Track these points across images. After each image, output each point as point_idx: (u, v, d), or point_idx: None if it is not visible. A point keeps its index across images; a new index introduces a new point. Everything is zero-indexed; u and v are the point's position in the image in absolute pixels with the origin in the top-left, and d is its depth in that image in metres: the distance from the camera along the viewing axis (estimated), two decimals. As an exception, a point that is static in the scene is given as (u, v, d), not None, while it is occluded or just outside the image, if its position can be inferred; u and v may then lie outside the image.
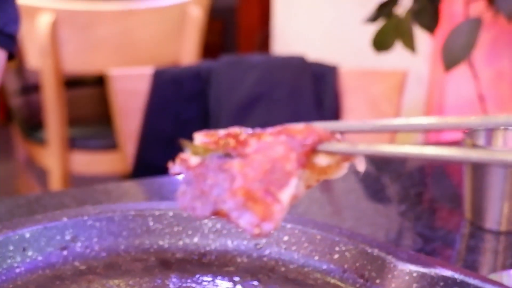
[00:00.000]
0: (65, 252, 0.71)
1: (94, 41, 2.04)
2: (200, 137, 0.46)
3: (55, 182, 2.07)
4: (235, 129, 0.45)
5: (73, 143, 2.09)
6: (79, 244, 0.72)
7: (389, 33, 1.32)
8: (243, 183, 0.42)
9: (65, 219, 0.72)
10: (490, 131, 0.95)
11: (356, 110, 1.54)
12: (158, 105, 1.50)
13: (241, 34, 2.79)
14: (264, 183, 0.42)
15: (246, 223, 0.42)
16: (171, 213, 0.76)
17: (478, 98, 1.47)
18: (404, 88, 1.53)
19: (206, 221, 0.76)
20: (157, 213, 0.75)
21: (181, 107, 1.53)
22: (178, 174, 0.46)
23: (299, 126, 0.43)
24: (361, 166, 0.44)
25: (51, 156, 2.07)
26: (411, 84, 1.73)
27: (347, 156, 0.44)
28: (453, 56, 1.23)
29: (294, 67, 1.55)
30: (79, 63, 2.04)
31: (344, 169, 0.45)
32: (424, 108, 1.89)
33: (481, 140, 0.95)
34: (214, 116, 1.53)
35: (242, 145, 0.44)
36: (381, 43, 1.37)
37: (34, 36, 1.97)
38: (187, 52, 2.12)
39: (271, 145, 0.43)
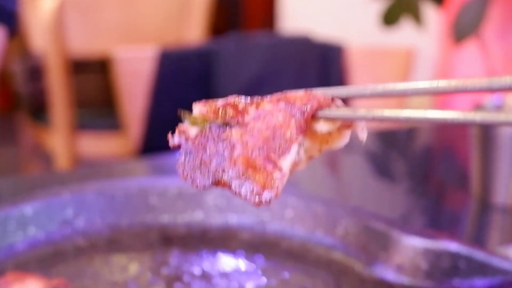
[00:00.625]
0: (66, 229, 0.70)
1: (99, 23, 2.03)
2: (198, 107, 0.45)
3: (62, 166, 2.07)
4: (233, 98, 0.44)
5: (79, 126, 2.08)
6: (81, 220, 0.71)
7: (397, 7, 1.31)
8: (243, 151, 0.42)
9: (66, 195, 0.72)
10: (499, 110, 0.94)
11: (362, 89, 1.52)
12: (163, 87, 1.49)
13: (246, 12, 2.78)
14: (264, 150, 0.41)
15: (247, 192, 0.41)
16: (173, 190, 0.75)
17: (489, 75, 1.45)
18: (411, 66, 1.51)
19: (208, 197, 0.75)
20: (159, 189, 0.75)
21: (186, 89, 1.52)
22: (178, 145, 0.45)
23: (298, 93, 0.42)
24: (363, 134, 0.43)
25: (57, 139, 2.07)
26: (419, 63, 1.71)
27: (348, 124, 0.43)
28: (463, 29, 1.21)
29: (299, 47, 1.54)
30: (84, 46, 2.04)
31: (346, 137, 0.44)
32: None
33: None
34: (220, 98, 1.51)
35: (241, 114, 0.43)
36: (389, 17, 1.35)
37: (39, 19, 1.96)
38: (193, 33, 2.11)
39: (271, 112, 0.42)
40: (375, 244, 0.69)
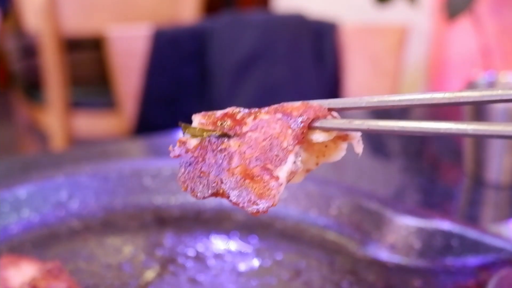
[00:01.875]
0: (61, 211, 0.71)
1: (93, 1, 2.01)
2: (198, 118, 0.46)
3: (57, 144, 2.07)
4: (232, 109, 0.45)
5: (74, 105, 2.08)
6: (75, 203, 0.71)
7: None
8: (241, 161, 0.42)
9: (61, 178, 0.72)
10: (492, 86, 0.94)
11: (357, 66, 1.53)
12: (158, 65, 1.49)
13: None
14: (262, 160, 0.42)
15: (244, 202, 0.42)
16: (167, 171, 0.75)
17: (482, 51, 1.45)
18: (405, 43, 1.51)
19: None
20: (153, 171, 0.75)
21: (181, 67, 1.51)
22: (178, 156, 0.46)
23: (295, 104, 0.43)
24: (359, 147, 0.44)
25: (52, 118, 2.06)
26: (413, 40, 1.70)
27: (344, 136, 0.44)
28: (456, 6, 1.21)
29: (293, 25, 1.53)
30: (78, 24, 2.02)
31: (342, 150, 0.44)
32: (426, 63, 1.87)
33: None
34: (214, 76, 1.51)
35: (239, 124, 0.44)
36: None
37: (32, -3, 1.94)
38: (187, 11, 2.10)
39: (268, 123, 0.42)
40: (369, 224, 0.70)
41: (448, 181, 0.94)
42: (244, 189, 0.42)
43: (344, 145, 0.44)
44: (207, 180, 0.43)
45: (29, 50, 2.37)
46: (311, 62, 1.51)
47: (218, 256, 0.68)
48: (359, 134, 0.43)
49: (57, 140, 2.07)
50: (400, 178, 0.95)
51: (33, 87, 2.21)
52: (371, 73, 1.55)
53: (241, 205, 0.42)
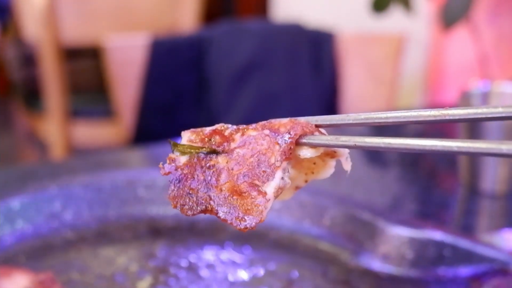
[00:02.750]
0: (55, 222, 0.71)
1: (92, 10, 2.02)
2: (186, 135, 0.46)
3: (56, 153, 2.07)
4: (220, 125, 0.45)
5: (73, 113, 2.08)
6: (69, 214, 0.72)
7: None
8: (229, 178, 0.43)
9: (54, 189, 0.72)
10: (486, 96, 0.94)
11: (355, 75, 1.53)
12: (156, 74, 1.49)
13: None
14: (249, 176, 0.42)
15: (232, 218, 0.42)
16: (161, 182, 0.76)
17: (480, 59, 1.45)
18: (403, 52, 1.51)
19: (196, 188, 0.76)
20: (147, 181, 0.75)
21: (179, 76, 1.52)
22: (168, 173, 0.46)
23: (282, 120, 0.43)
24: (347, 165, 0.44)
25: (51, 126, 2.07)
26: (411, 48, 1.71)
27: (332, 153, 0.44)
28: (452, 15, 1.21)
29: (291, 34, 1.54)
30: (77, 33, 2.03)
31: (331, 168, 0.45)
32: (424, 72, 1.87)
33: (476, 104, 0.94)
34: (212, 84, 1.52)
35: (227, 141, 0.44)
36: (378, 4, 1.35)
37: (32, 7, 1.95)
38: (186, 19, 2.10)
39: (256, 139, 0.43)
40: (362, 234, 0.70)
41: (443, 191, 0.94)
42: (231, 206, 0.42)
43: (332, 163, 0.44)
44: (196, 197, 0.44)
45: (29, 59, 2.37)
46: (308, 70, 1.52)
47: (211, 266, 0.68)
48: (347, 151, 0.43)
49: (57, 149, 2.08)
50: (395, 187, 0.95)
51: (32, 96, 2.22)
52: (369, 81, 1.55)
53: (229, 221, 0.42)
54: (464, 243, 0.68)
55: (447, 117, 0.37)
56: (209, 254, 0.70)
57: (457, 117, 0.37)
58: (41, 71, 2.01)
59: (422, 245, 0.67)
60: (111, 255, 0.68)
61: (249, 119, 1.53)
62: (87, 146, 2.12)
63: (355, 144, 0.40)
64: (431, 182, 0.97)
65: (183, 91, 1.53)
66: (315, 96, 1.53)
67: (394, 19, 1.60)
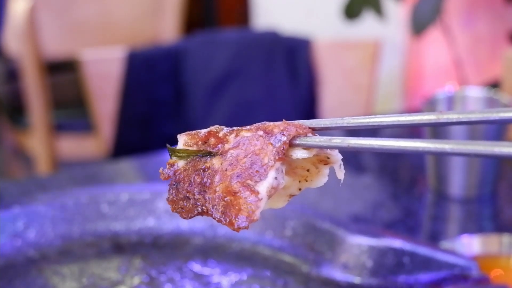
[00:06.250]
0: (18, 241, 0.71)
1: (72, 23, 2.02)
2: (182, 139, 0.47)
3: (41, 168, 2.08)
4: (215, 127, 0.46)
5: (58, 128, 2.09)
6: (32, 232, 0.72)
7: (358, 0, 1.32)
8: (222, 179, 0.43)
9: (16, 208, 0.72)
10: (450, 101, 0.95)
11: (331, 82, 1.54)
12: (133, 87, 1.49)
13: (221, 8, 2.78)
14: (243, 177, 0.43)
15: (226, 218, 0.43)
16: (124, 197, 0.76)
17: (455, 63, 1.46)
18: (379, 57, 1.52)
19: (160, 203, 0.76)
20: (110, 197, 0.76)
21: (156, 88, 1.52)
22: (168, 178, 0.47)
23: (276, 122, 0.44)
24: (340, 173, 0.45)
25: (36, 142, 2.07)
26: (388, 53, 1.72)
27: (325, 160, 0.44)
28: (421, 20, 1.22)
29: (267, 42, 1.54)
30: (58, 46, 2.03)
31: (324, 176, 0.45)
32: (400, 76, 1.88)
33: (441, 109, 0.95)
34: (189, 96, 1.52)
35: (222, 142, 0.45)
36: (350, 11, 1.36)
37: (12, 22, 1.95)
38: (168, 30, 2.11)
39: (249, 140, 0.44)
40: (322, 244, 0.70)
41: (411, 197, 0.94)
42: (225, 206, 0.43)
43: (326, 170, 0.45)
44: (193, 200, 0.44)
45: (13, 75, 2.38)
46: (285, 78, 1.52)
47: (172, 280, 0.68)
48: (340, 158, 0.44)
49: (42, 164, 2.08)
50: (364, 194, 0.95)
51: (17, 111, 2.22)
52: (346, 88, 1.56)
53: (223, 222, 0.43)
54: (423, 250, 0.68)
55: (442, 120, 0.37)
56: (171, 268, 0.70)
57: (454, 120, 0.37)
58: (24, 86, 2.02)
59: (382, 254, 0.68)
60: (74, 273, 0.69)
61: (227, 128, 1.52)
62: (72, 159, 2.12)
63: (348, 145, 0.40)
64: (399, 188, 0.97)
65: (161, 103, 1.54)
66: (293, 104, 1.54)
67: (371, 25, 1.61)
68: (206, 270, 0.70)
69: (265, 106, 1.53)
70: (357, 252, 0.68)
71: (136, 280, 0.68)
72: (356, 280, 0.68)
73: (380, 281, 0.67)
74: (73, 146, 2.11)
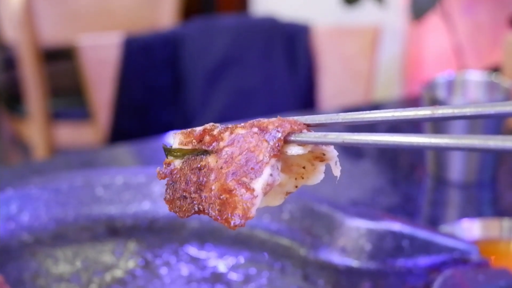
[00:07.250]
0: (11, 224, 0.70)
1: (70, 11, 2.01)
2: (178, 137, 0.46)
3: (39, 156, 2.07)
4: (210, 125, 0.45)
5: (55, 116, 2.08)
6: (25, 215, 0.71)
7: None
8: (218, 177, 0.43)
9: (10, 191, 0.71)
10: (451, 85, 0.94)
11: (330, 68, 1.52)
12: (130, 73, 1.48)
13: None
14: (238, 174, 0.42)
15: (222, 216, 0.42)
16: (119, 181, 0.75)
17: (455, 49, 1.45)
18: (378, 44, 1.51)
19: (156, 187, 0.75)
20: (105, 181, 0.75)
21: (153, 74, 1.51)
22: (165, 177, 0.47)
23: (271, 119, 0.44)
24: (336, 169, 0.44)
25: (33, 130, 2.06)
26: (387, 40, 1.70)
27: (321, 157, 0.44)
28: (420, 6, 1.21)
29: (265, 28, 1.53)
30: (56, 34, 2.02)
31: (320, 173, 0.45)
32: (400, 63, 1.87)
33: (441, 93, 0.94)
34: (187, 82, 1.51)
35: (216, 140, 0.44)
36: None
37: (9, 9, 1.94)
38: (166, 17, 2.09)
39: (244, 137, 0.43)
40: (320, 227, 0.69)
41: (411, 182, 0.94)
42: (221, 204, 0.42)
43: (322, 167, 0.44)
44: (190, 199, 0.44)
45: (10, 63, 2.36)
46: (284, 65, 1.51)
47: (168, 264, 0.68)
48: (335, 154, 0.43)
49: (39, 152, 2.07)
50: (363, 180, 0.94)
51: (14, 100, 2.21)
52: (345, 75, 1.55)
53: (219, 220, 0.43)
54: (422, 233, 0.67)
55: (436, 115, 0.37)
56: (167, 251, 0.69)
57: (449, 115, 0.36)
58: (21, 74, 2.01)
59: (380, 237, 0.67)
60: (68, 256, 0.68)
61: (225, 116, 1.52)
62: (70, 147, 2.12)
63: (343, 141, 0.40)
64: (398, 174, 0.96)
65: (158, 89, 1.53)
66: (292, 91, 1.52)
67: (370, 11, 1.60)
68: (202, 254, 0.69)
69: (264, 92, 1.52)
70: (355, 236, 0.67)
71: (131, 264, 0.67)
72: (355, 263, 0.67)
73: (379, 265, 0.66)
74: (70, 134, 2.10)
